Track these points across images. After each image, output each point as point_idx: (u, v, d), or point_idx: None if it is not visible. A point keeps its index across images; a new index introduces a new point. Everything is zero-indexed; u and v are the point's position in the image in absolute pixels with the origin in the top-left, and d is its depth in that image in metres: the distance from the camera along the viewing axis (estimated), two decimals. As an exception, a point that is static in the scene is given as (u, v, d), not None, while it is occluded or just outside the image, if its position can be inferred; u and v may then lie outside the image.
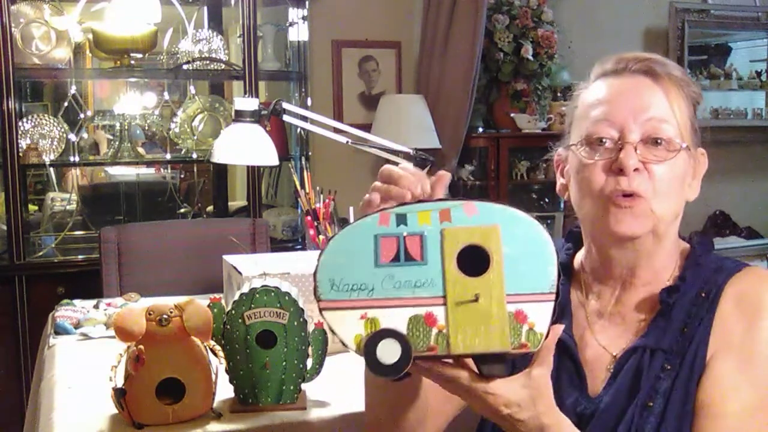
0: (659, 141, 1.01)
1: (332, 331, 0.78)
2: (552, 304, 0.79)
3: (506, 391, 0.83)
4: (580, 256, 1.14)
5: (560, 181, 1.13)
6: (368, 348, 0.76)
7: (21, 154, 3.04)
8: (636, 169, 1.00)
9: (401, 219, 0.77)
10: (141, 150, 3.54)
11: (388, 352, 0.76)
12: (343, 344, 0.78)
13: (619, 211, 1.00)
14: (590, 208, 1.03)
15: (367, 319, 0.76)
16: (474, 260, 0.78)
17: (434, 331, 0.77)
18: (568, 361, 1.07)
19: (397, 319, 0.76)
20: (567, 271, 1.13)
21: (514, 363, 0.86)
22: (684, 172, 1.03)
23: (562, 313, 1.10)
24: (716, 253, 1.08)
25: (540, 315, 0.78)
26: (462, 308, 0.76)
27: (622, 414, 1.00)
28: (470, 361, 0.83)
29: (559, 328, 0.83)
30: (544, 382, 0.85)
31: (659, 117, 1.01)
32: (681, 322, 1.01)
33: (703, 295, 1.01)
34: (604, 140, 1.02)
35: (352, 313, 0.76)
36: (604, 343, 1.06)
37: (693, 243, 1.08)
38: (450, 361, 0.82)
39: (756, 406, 0.94)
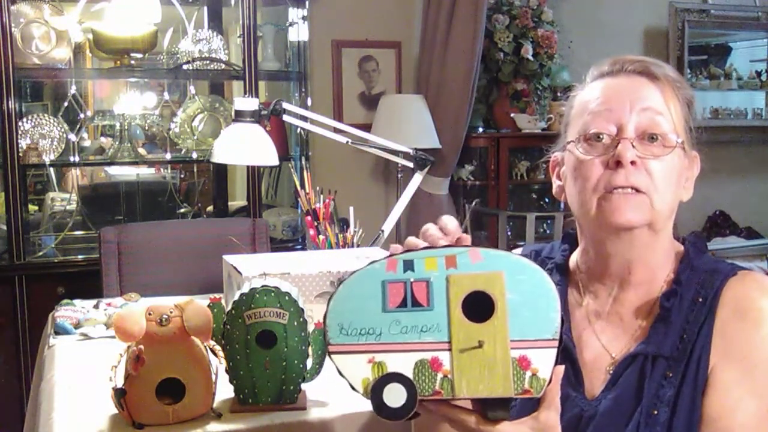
0: (655, 137, 1.02)
1: (341, 374, 0.79)
2: (555, 350, 0.80)
3: None
4: (575, 257, 1.15)
5: (557, 183, 1.14)
6: (375, 392, 0.78)
7: (21, 154, 3.04)
8: (633, 163, 1.00)
9: (408, 265, 0.79)
10: (142, 150, 3.54)
11: (395, 395, 0.77)
12: (352, 388, 0.79)
13: (616, 201, 1.01)
14: (587, 203, 1.03)
15: (375, 363, 0.78)
16: (479, 306, 0.79)
17: (439, 375, 0.78)
18: (566, 361, 1.07)
19: (403, 363, 0.78)
20: (563, 272, 1.14)
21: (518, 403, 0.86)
22: (679, 169, 1.04)
23: None
24: (711, 253, 1.09)
25: (543, 361, 0.79)
26: (466, 354, 0.78)
27: (625, 421, 1.00)
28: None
29: (561, 370, 0.84)
30: (552, 425, 0.85)
31: (656, 108, 1.03)
32: (680, 328, 1.01)
33: (700, 300, 1.01)
34: (601, 136, 1.03)
35: (360, 357, 0.78)
36: (604, 343, 1.07)
37: (687, 245, 1.09)
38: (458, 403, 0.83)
39: (762, 416, 0.94)
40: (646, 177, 1.01)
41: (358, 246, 2.13)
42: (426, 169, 2.15)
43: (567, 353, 1.07)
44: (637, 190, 1.01)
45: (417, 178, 2.16)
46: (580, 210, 1.06)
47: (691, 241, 1.09)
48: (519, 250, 1.20)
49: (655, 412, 0.98)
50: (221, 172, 3.64)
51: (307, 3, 3.57)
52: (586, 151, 1.04)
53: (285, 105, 2.08)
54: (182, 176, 3.77)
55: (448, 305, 0.78)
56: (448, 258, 0.79)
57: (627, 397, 1.01)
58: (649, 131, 1.02)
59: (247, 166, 3.21)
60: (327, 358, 0.93)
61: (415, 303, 0.78)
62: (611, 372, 1.04)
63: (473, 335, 0.78)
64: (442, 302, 0.78)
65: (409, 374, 0.78)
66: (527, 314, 0.79)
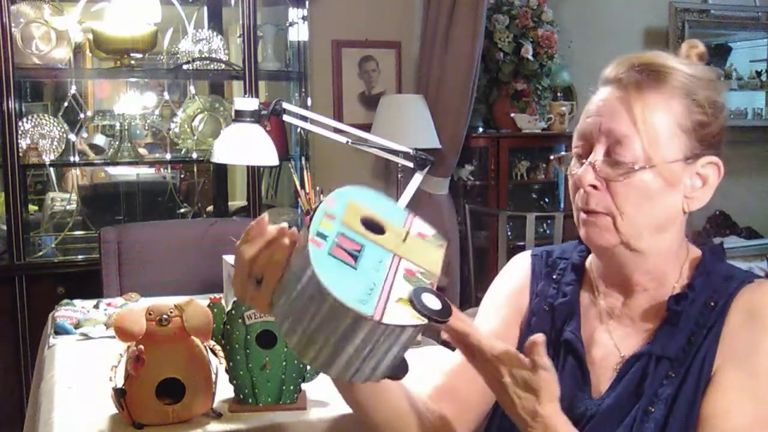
0: (618, 161, 0.99)
1: (400, 327, 0.80)
2: (418, 218, 0.96)
3: (516, 362, 0.89)
4: (591, 258, 1.15)
5: None
6: (425, 310, 0.82)
7: (21, 154, 3.04)
8: (594, 187, 1.00)
9: (322, 235, 0.84)
10: (143, 150, 3.54)
11: (432, 301, 0.83)
12: (412, 327, 0.81)
13: (585, 222, 1.03)
14: (575, 219, 1.06)
15: (398, 300, 0.82)
16: (371, 228, 0.90)
17: (418, 275, 0.86)
18: (572, 360, 1.08)
19: (401, 286, 0.83)
20: (578, 272, 1.14)
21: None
22: (656, 189, 1.00)
23: (569, 313, 1.10)
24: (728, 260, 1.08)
25: (423, 225, 0.95)
26: (409, 252, 0.89)
27: (622, 418, 1.00)
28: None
29: (540, 337, 0.88)
30: (552, 376, 0.89)
31: (622, 134, 0.99)
32: (688, 331, 1.00)
33: (712, 304, 1.00)
34: (580, 155, 1.04)
35: (390, 305, 0.81)
36: (616, 341, 1.07)
37: (704, 250, 1.08)
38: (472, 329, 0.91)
39: (758, 422, 0.94)
40: (608, 200, 1.00)
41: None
42: (426, 169, 2.15)
43: (574, 353, 1.08)
44: (600, 213, 1.01)
45: (417, 178, 2.15)
46: None
47: (709, 248, 1.08)
48: (529, 252, 1.21)
49: (652, 409, 0.98)
50: (221, 172, 3.64)
51: (307, 3, 3.57)
52: (574, 165, 1.05)
53: (285, 105, 2.07)
54: (182, 176, 3.77)
55: (365, 237, 0.87)
56: (327, 214, 0.87)
57: (627, 395, 1.01)
58: (613, 156, 1.00)
59: (247, 166, 3.21)
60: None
61: (356, 252, 0.85)
62: (618, 371, 1.04)
63: (396, 241, 0.90)
64: (361, 238, 0.87)
65: (414, 286, 0.85)
66: (387, 211, 0.93)
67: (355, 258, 0.84)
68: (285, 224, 0.90)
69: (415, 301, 0.82)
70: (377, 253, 0.86)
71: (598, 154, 1.00)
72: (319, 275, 0.79)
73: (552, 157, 1.15)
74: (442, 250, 0.94)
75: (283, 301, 0.85)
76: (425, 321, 0.81)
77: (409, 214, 0.95)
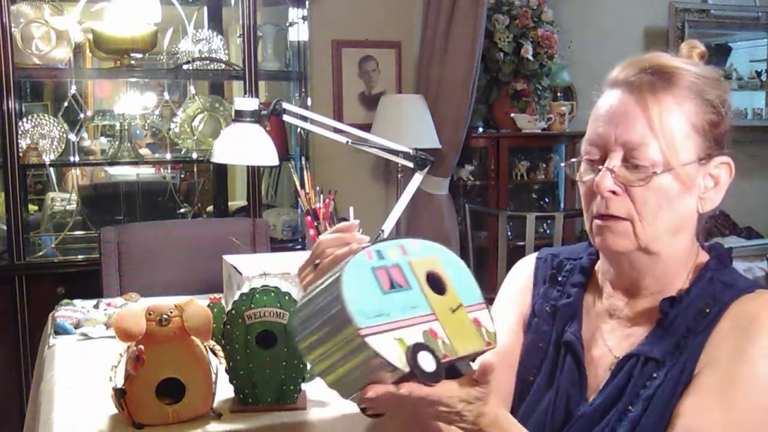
0: (637, 165, 0.99)
1: (377, 354, 0.81)
2: (488, 311, 0.94)
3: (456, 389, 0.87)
4: (601, 260, 1.15)
5: None
6: (414, 362, 0.82)
7: (21, 154, 3.04)
8: (614, 192, 1.00)
9: (379, 254, 0.87)
10: (146, 150, 3.54)
11: (427, 362, 0.83)
12: (389, 364, 0.82)
13: (601, 228, 1.02)
14: (588, 224, 1.05)
15: (398, 339, 0.83)
16: (431, 283, 0.90)
17: (440, 341, 0.86)
18: (571, 361, 1.08)
19: (415, 336, 0.84)
20: (586, 273, 1.14)
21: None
22: (675, 192, 1.00)
23: (572, 315, 1.11)
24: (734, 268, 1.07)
25: (486, 319, 0.93)
26: (449, 320, 0.88)
27: (602, 418, 1.01)
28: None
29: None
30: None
31: (639, 141, 0.98)
32: (678, 336, 1.00)
33: (707, 311, 1.00)
34: (592, 161, 1.03)
35: (387, 335, 0.82)
36: (611, 344, 1.07)
37: (711, 256, 1.07)
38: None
39: (728, 426, 0.92)
40: (628, 205, 1.00)
41: (358, 246, 2.13)
42: (426, 169, 2.15)
43: (574, 353, 1.08)
44: (619, 218, 1.00)
45: (417, 178, 2.15)
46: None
47: (716, 253, 1.08)
48: (535, 255, 1.21)
49: (630, 409, 0.99)
50: (221, 172, 3.64)
51: (307, 3, 3.57)
52: (585, 171, 1.04)
53: (285, 105, 2.07)
54: (182, 176, 3.77)
55: (419, 284, 0.88)
56: (401, 246, 0.90)
57: (614, 396, 1.02)
58: (631, 161, 0.99)
59: (247, 166, 3.21)
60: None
61: (398, 285, 0.86)
62: (611, 371, 1.05)
63: (444, 306, 0.89)
64: (414, 282, 0.88)
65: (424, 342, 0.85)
66: (461, 286, 0.92)
67: (393, 287, 0.85)
68: (366, 237, 1.03)
69: (410, 350, 0.82)
70: (417, 300, 0.87)
71: (615, 160, 1.00)
72: (345, 272, 0.83)
73: (563, 164, 1.15)
74: (483, 347, 0.90)
75: (313, 286, 0.89)
76: (404, 369, 0.81)
77: (482, 302, 0.94)
